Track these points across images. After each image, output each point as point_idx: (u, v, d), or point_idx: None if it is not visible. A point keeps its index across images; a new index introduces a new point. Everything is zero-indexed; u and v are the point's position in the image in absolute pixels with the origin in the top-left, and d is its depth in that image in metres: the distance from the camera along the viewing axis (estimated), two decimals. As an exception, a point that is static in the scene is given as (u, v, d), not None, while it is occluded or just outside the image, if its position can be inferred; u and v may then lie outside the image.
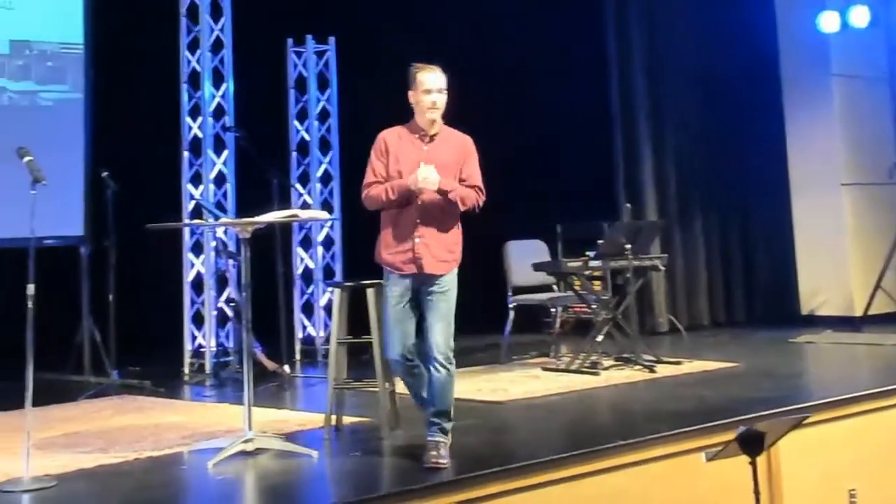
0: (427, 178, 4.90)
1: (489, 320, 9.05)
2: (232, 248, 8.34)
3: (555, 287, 8.69)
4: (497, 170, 10.76)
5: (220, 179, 8.83)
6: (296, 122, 9.61)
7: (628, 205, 9.37)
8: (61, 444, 5.66)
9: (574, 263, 7.87)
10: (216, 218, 7.05)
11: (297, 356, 9.17)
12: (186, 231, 8.64)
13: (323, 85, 9.69)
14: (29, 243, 4.87)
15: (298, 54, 9.65)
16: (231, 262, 8.27)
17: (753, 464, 4.43)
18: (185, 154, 8.76)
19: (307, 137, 9.61)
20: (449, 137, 5.16)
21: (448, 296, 5.04)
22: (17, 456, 4.93)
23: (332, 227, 9.52)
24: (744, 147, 10.72)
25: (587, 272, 8.13)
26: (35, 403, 4.97)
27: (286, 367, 7.82)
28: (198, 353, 8.60)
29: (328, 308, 9.13)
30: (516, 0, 10.60)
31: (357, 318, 5.79)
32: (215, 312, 8.60)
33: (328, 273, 9.52)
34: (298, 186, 9.41)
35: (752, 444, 4.42)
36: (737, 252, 10.74)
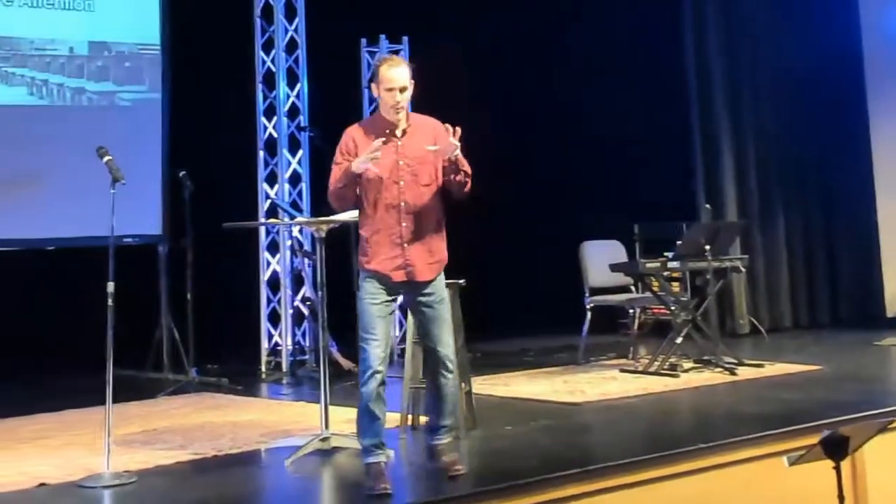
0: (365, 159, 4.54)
1: (566, 321, 8.99)
2: (307, 247, 8.38)
3: (632, 288, 8.59)
4: (574, 170, 10.79)
5: (295, 179, 8.88)
6: (370, 122, 9.61)
7: (707, 205, 9.22)
8: (141, 441, 5.72)
9: (652, 264, 7.75)
10: (291, 217, 7.09)
11: (372, 355, 9.15)
12: (262, 230, 8.70)
13: (397, 84, 9.67)
14: (109, 242, 4.92)
15: (372, 54, 9.66)
16: (307, 260, 8.30)
17: (837, 468, 4.32)
18: (261, 154, 8.83)
19: (381, 137, 9.60)
20: (421, 126, 4.78)
21: (445, 300, 4.79)
22: (98, 452, 4.98)
23: (405, 225, 9.49)
24: (827, 147, 10.52)
25: (665, 273, 8.00)
26: (115, 400, 5.02)
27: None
28: (274, 351, 8.65)
29: (403, 308, 9.10)
30: (592, 3, 10.51)
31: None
32: (291, 311, 8.65)
33: (403, 272, 9.49)
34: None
35: (837, 448, 4.31)
36: (820, 253, 10.54)
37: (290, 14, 8.97)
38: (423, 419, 5.83)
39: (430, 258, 4.71)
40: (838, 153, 10.55)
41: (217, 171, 8.64)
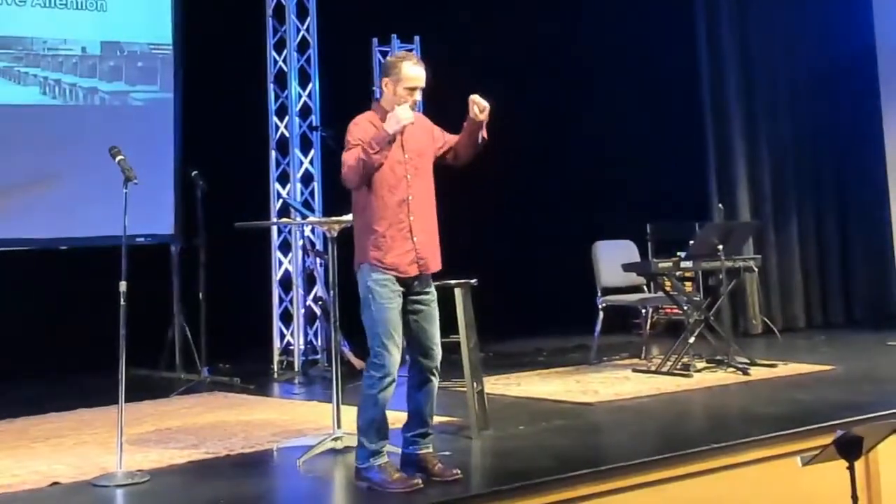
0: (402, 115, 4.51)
1: (579, 321, 8.98)
2: (319, 246, 8.38)
3: (645, 288, 8.58)
4: (587, 169, 10.76)
5: (307, 178, 8.89)
6: (382, 122, 9.60)
7: (720, 205, 9.21)
8: (154, 440, 5.73)
9: (665, 264, 7.73)
10: (303, 217, 7.09)
11: (385, 355, 9.16)
12: (274, 230, 8.71)
13: (409, 84, 9.66)
14: (121, 241, 4.92)
15: (384, 53, 9.65)
16: (318, 260, 8.30)
17: (851, 469, 4.31)
18: (273, 153, 8.84)
19: (393, 136, 9.60)
20: (417, 121, 4.75)
21: (435, 299, 4.75)
22: (111, 451, 5.00)
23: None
24: (840, 146, 10.50)
25: (678, 273, 7.98)
26: (128, 399, 5.03)
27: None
28: (286, 350, 8.66)
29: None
30: (605, 2, 10.50)
31: (444, 317, 5.74)
32: (303, 311, 8.65)
33: (415, 272, 9.49)
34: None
35: (851, 448, 4.29)
36: (833, 253, 10.51)
37: (302, 14, 8.98)
38: (434, 419, 5.82)
39: (435, 250, 4.72)
40: (852, 153, 10.52)
41: (229, 170, 8.65)
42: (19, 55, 8.33)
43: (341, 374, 5.43)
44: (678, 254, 7.83)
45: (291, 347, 8.62)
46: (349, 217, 5.37)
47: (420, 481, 4.49)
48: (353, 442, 5.20)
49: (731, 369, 7.47)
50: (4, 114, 8.20)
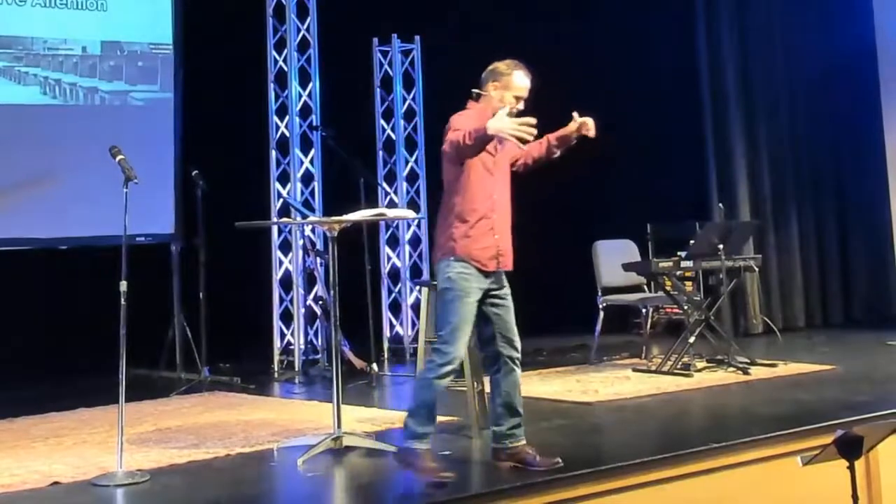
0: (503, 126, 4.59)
1: (579, 320, 8.99)
2: (320, 246, 8.38)
3: (645, 287, 8.58)
4: (587, 169, 10.75)
5: (307, 178, 8.89)
6: (382, 121, 9.63)
7: (720, 204, 9.21)
8: (154, 440, 5.73)
9: (665, 264, 7.74)
10: (304, 216, 7.09)
11: (385, 354, 9.20)
12: (275, 229, 8.72)
13: (408, 83, 9.69)
14: (121, 241, 4.92)
15: (384, 53, 9.67)
16: (319, 260, 8.30)
17: (851, 468, 4.31)
18: (273, 153, 8.84)
19: (393, 136, 9.62)
20: None
21: (510, 293, 4.89)
22: (112, 450, 5.00)
23: (418, 225, 9.52)
24: (840, 146, 10.51)
25: (678, 272, 7.99)
26: (128, 399, 5.03)
27: (374, 366, 7.81)
28: (287, 350, 8.67)
29: (416, 306, 9.14)
30: (605, 2, 10.49)
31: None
32: (303, 310, 8.65)
33: (415, 272, 9.52)
34: (385, 185, 9.41)
35: (851, 448, 4.29)
36: (833, 253, 10.52)
37: (302, 13, 8.98)
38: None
39: (510, 249, 4.86)
40: (852, 153, 10.53)
41: (229, 170, 8.65)
42: (19, 55, 8.32)
43: (341, 374, 5.42)
44: (678, 253, 7.85)
45: (292, 347, 8.62)
46: (349, 217, 5.40)
47: (453, 474, 4.57)
48: (354, 442, 5.23)
49: (732, 369, 7.47)
50: (4, 113, 8.20)
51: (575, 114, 5.01)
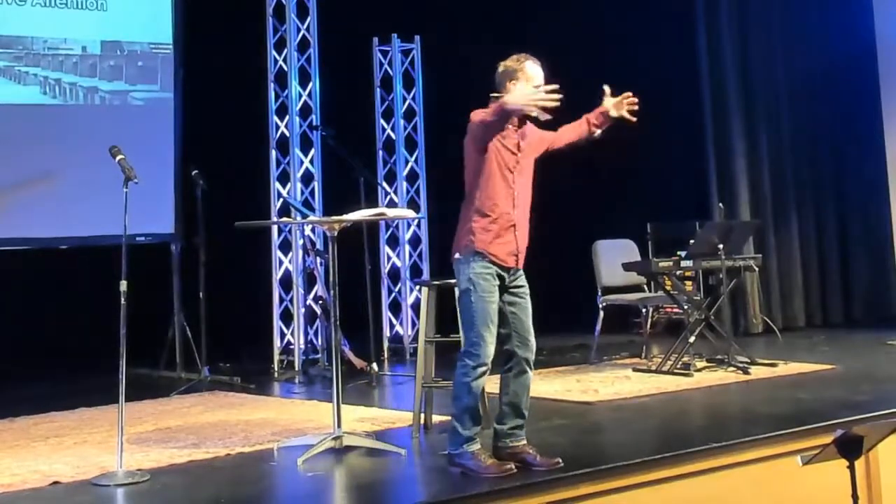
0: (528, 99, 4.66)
1: (579, 320, 8.98)
2: (320, 246, 8.38)
3: (645, 287, 8.58)
4: (587, 169, 10.75)
5: (307, 178, 8.89)
6: (382, 121, 9.63)
7: (721, 204, 9.22)
8: (154, 440, 5.73)
9: (665, 263, 7.74)
10: (304, 216, 7.08)
11: (385, 354, 9.20)
12: (275, 229, 8.72)
13: (408, 83, 9.69)
14: (121, 240, 4.92)
15: (384, 53, 9.67)
16: (319, 259, 8.30)
17: (851, 468, 4.31)
18: (273, 153, 8.84)
19: (393, 136, 9.62)
20: (530, 128, 4.98)
21: (528, 292, 4.92)
22: (112, 450, 5.00)
23: (418, 225, 9.52)
24: (840, 146, 10.51)
25: (678, 272, 8.00)
26: (128, 399, 5.04)
27: (374, 366, 7.81)
28: (287, 350, 8.67)
29: (416, 306, 9.13)
30: (605, 2, 10.49)
31: (445, 317, 5.75)
32: (303, 310, 8.65)
33: (415, 271, 9.52)
34: (385, 185, 9.41)
35: (851, 447, 4.29)
36: (833, 252, 10.52)
37: (302, 13, 8.98)
38: (435, 418, 5.84)
39: (525, 247, 4.88)
40: (852, 153, 10.54)
41: (229, 169, 8.66)
42: (19, 55, 8.32)
43: (341, 374, 5.42)
44: (678, 253, 7.85)
45: (292, 347, 8.62)
46: (349, 216, 5.39)
47: (513, 466, 4.62)
48: (354, 441, 5.23)
49: (732, 369, 7.47)
50: (4, 113, 8.20)
51: (606, 88, 5.05)
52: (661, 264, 7.75)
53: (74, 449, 5.55)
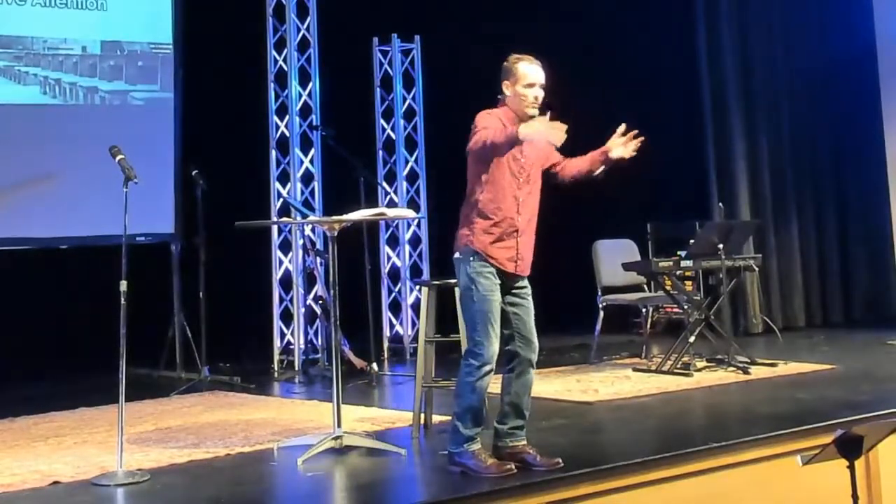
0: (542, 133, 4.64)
1: (578, 320, 8.98)
2: (320, 246, 8.38)
3: (645, 287, 8.58)
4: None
5: (307, 177, 8.89)
6: (382, 121, 9.62)
7: (721, 204, 9.22)
8: (154, 439, 5.73)
9: (665, 263, 7.74)
10: (304, 216, 7.09)
11: (385, 354, 9.20)
12: (275, 229, 8.72)
13: (408, 83, 9.69)
14: (121, 240, 4.92)
15: (384, 53, 9.67)
16: (319, 259, 8.30)
17: (851, 468, 4.31)
18: (273, 152, 8.84)
19: (393, 136, 9.62)
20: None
21: (530, 294, 4.92)
22: (112, 450, 5.00)
23: (418, 225, 9.52)
24: (840, 146, 10.50)
25: (678, 272, 8.00)
26: (128, 399, 5.04)
27: (374, 365, 7.81)
28: (287, 350, 8.67)
29: (415, 306, 9.13)
30: (605, 2, 10.48)
31: (445, 316, 5.75)
32: (303, 310, 8.65)
33: (415, 271, 9.52)
34: (385, 185, 9.41)
35: (851, 447, 4.29)
36: (834, 252, 10.52)
37: (302, 13, 8.98)
38: (435, 418, 5.84)
39: (530, 255, 4.88)
40: (852, 153, 10.54)
41: (229, 169, 8.65)
42: (19, 54, 8.32)
43: (341, 374, 5.42)
44: (678, 253, 7.85)
45: (292, 347, 8.62)
46: (349, 216, 5.39)
47: (513, 466, 4.62)
48: (354, 441, 5.23)
49: (732, 368, 7.47)
50: (4, 113, 8.20)
51: (622, 127, 5.01)
52: (661, 264, 7.75)
53: (74, 449, 5.55)
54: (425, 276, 9.37)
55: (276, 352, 8.64)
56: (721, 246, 7.59)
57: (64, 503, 4.55)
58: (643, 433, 5.75)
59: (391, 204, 9.24)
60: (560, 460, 4.69)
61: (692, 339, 7.61)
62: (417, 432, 5.64)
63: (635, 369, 7.75)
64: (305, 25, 8.97)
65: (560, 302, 9.82)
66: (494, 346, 4.71)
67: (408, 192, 9.58)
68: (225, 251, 8.19)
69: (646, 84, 10.33)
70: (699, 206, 9.66)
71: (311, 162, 8.91)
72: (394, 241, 9.53)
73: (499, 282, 4.75)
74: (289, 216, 8.51)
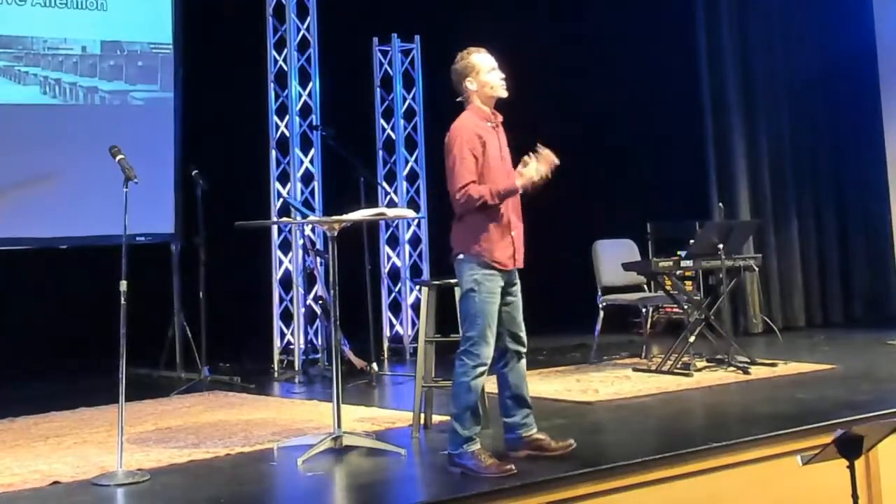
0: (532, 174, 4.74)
1: (578, 320, 8.98)
2: (320, 246, 8.38)
3: (645, 287, 8.58)
4: (587, 169, 10.77)
5: (307, 177, 8.89)
6: (382, 121, 9.62)
7: (720, 204, 9.22)
8: (154, 439, 5.73)
9: (665, 263, 7.74)
10: (304, 216, 7.08)
11: (385, 354, 9.20)
12: (275, 229, 8.72)
13: (408, 83, 9.69)
14: (121, 240, 4.92)
15: (384, 53, 9.67)
16: (319, 259, 8.30)
17: (851, 468, 4.30)
18: (273, 152, 8.84)
19: (393, 136, 9.62)
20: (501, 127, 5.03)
21: (520, 289, 4.97)
22: (112, 450, 5.00)
23: (418, 225, 9.52)
24: (840, 146, 10.50)
25: (678, 272, 8.00)
26: (128, 399, 5.04)
27: (374, 365, 7.82)
28: (287, 350, 8.67)
29: (415, 306, 9.13)
30: (605, 2, 10.48)
31: (445, 316, 5.75)
32: (303, 310, 8.65)
33: (415, 271, 9.52)
34: (385, 185, 9.41)
35: (851, 447, 4.29)
36: (833, 252, 10.52)
37: (302, 13, 8.98)
38: (435, 418, 5.84)
39: (522, 246, 4.92)
40: (852, 153, 10.54)
41: (229, 169, 8.66)
42: (19, 54, 8.32)
43: (341, 374, 5.42)
44: (678, 253, 7.85)
45: (292, 347, 8.62)
46: (349, 216, 5.39)
47: (513, 466, 4.62)
48: (354, 441, 5.23)
49: (732, 368, 7.47)
50: (4, 113, 8.20)
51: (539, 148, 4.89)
52: (661, 264, 7.75)
53: (74, 449, 5.55)
54: (425, 276, 9.37)
55: (276, 352, 8.64)
56: (721, 246, 7.59)
57: (64, 503, 4.55)
58: (643, 433, 5.74)
59: (391, 204, 9.23)
60: (572, 441, 4.86)
61: (692, 339, 7.61)
62: (417, 432, 5.64)
63: (635, 369, 7.75)
64: (305, 25, 8.97)
65: (560, 302, 9.85)
66: (490, 348, 4.77)
67: (408, 192, 9.58)
68: (225, 251, 8.19)
69: (646, 84, 10.33)
70: (699, 206, 9.66)
71: (311, 162, 8.91)
72: (394, 241, 9.53)
73: (501, 283, 4.79)
74: (289, 216, 8.51)
